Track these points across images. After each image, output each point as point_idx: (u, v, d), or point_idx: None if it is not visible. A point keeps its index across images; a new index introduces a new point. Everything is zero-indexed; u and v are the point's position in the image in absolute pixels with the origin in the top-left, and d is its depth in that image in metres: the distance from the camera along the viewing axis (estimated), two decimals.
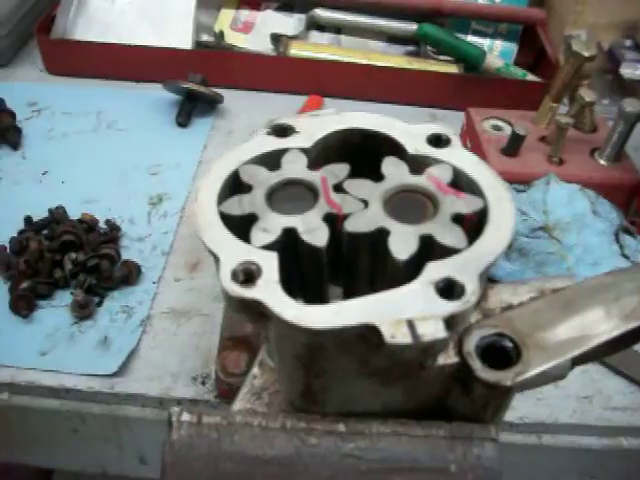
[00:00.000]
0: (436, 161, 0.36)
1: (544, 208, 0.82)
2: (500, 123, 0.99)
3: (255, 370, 0.45)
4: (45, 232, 0.86)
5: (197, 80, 1.06)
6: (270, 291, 0.30)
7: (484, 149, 0.92)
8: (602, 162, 0.93)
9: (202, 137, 1.06)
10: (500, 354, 0.35)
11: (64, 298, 0.80)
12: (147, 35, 1.14)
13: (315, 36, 1.20)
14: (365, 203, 0.34)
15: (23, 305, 0.78)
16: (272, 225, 0.33)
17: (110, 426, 0.76)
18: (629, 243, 0.82)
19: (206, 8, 1.20)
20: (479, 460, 0.37)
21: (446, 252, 0.32)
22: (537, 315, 0.36)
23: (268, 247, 0.32)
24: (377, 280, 0.36)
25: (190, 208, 0.93)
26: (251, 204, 0.34)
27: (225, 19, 1.20)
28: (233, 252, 0.32)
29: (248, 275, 0.31)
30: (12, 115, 1.03)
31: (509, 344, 0.35)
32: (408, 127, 0.38)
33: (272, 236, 0.33)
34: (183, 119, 1.07)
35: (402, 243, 0.32)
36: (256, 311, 0.31)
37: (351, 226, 0.33)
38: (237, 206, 0.34)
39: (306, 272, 0.35)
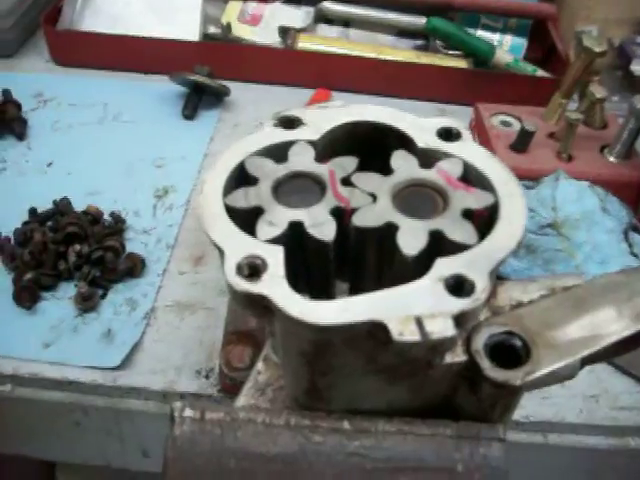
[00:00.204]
0: (446, 155, 0.35)
1: (553, 205, 0.81)
2: (509, 119, 0.98)
3: (259, 365, 0.44)
4: (49, 224, 0.85)
5: (204, 72, 1.05)
6: (275, 286, 0.30)
7: (493, 145, 0.92)
8: (612, 159, 0.92)
9: (208, 129, 1.05)
10: (509, 353, 0.34)
11: (68, 290, 0.79)
12: (154, 26, 1.14)
13: (323, 29, 1.19)
14: (373, 197, 0.33)
15: (27, 297, 0.77)
16: (278, 218, 0.32)
17: (112, 419, 0.76)
18: (638, 241, 0.81)
19: (214, 0, 1.19)
20: (486, 460, 0.36)
21: (456, 248, 0.31)
22: (547, 313, 0.35)
23: (274, 241, 0.32)
24: (384, 276, 0.35)
25: (195, 201, 0.92)
26: (257, 197, 0.33)
27: (232, 11, 1.19)
28: (238, 246, 0.31)
29: (253, 269, 0.30)
30: (18, 106, 1.03)
31: (518, 342, 0.34)
32: (418, 120, 0.37)
33: (278, 230, 0.32)
34: (189, 111, 1.06)
35: (411, 238, 0.31)
36: (261, 306, 0.30)
37: (359, 220, 0.32)
38: (243, 199, 0.33)
39: (312, 267, 0.34)
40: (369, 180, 0.34)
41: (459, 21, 1.18)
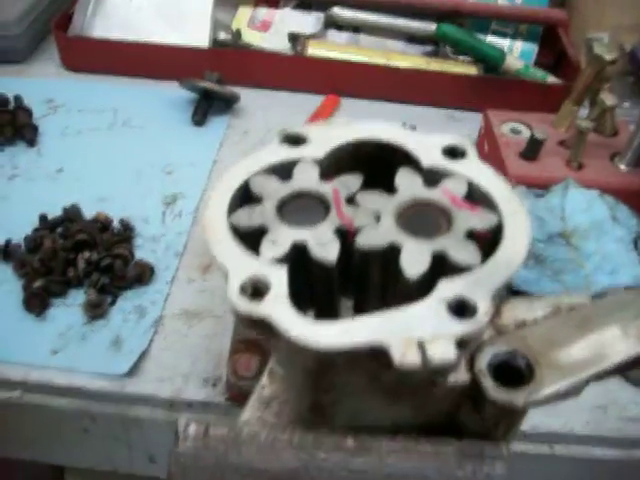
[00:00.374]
0: (451, 174, 0.35)
1: (562, 214, 0.81)
2: (519, 126, 0.97)
3: (264, 379, 0.44)
4: (59, 230, 0.86)
5: (213, 79, 1.06)
6: (278, 307, 0.30)
7: (502, 153, 0.91)
8: (622, 167, 0.91)
9: (218, 136, 1.06)
10: (513, 372, 0.34)
11: (77, 297, 0.80)
12: (164, 32, 1.14)
13: (333, 35, 1.19)
14: (377, 216, 0.33)
15: (36, 303, 0.78)
16: (282, 238, 0.32)
17: (120, 426, 0.76)
18: None
19: (223, 6, 1.20)
20: (489, 478, 0.36)
21: (459, 269, 0.31)
22: (552, 333, 0.35)
23: (278, 260, 0.32)
24: (388, 294, 0.35)
25: (201, 218, 0.92)
26: (261, 216, 0.33)
27: (243, 17, 1.19)
28: (242, 266, 0.31)
29: (256, 289, 0.31)
30: (28, 112, 1.03)
31: (522, 362, 0.34)
32: (423, 138, 0.37)
33: (282, 249, 0.32)
34: (199, 118, 1.06)
35: (414, 260, 0.31)
36: (264, 326, 0.30)
37: (363, 241, 0.32)
38: (247, 218, 0.33)
39: (316, 285, 0.34)
40: (373, 199, 0.34)
41: (469, 27, 1.18)
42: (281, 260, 0.32)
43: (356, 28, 1.19)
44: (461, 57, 1.16)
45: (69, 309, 0.79)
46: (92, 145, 1.03)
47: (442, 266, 0.32)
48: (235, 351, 0.70)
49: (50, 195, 0.93)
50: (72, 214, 0.88)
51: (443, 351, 0.28)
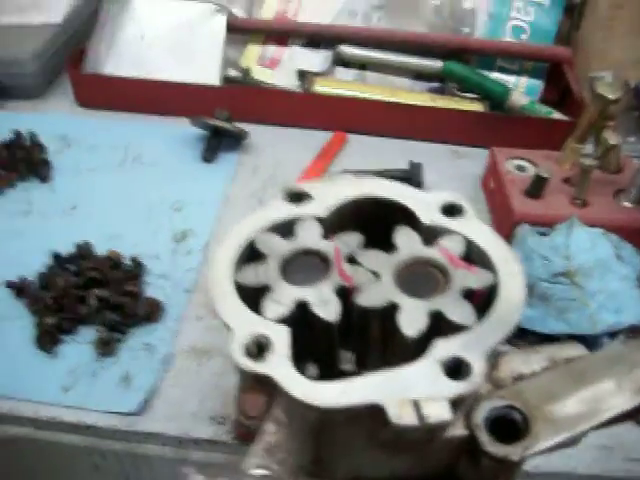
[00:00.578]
0: (449, 232, 0.37)
1: (566, 253, 0.82)
2: (524, 163, 0.99)
3: (269, 426, 0.45)
4: (71, 267, 0.87)
5: (223, 117, 1.08)
6: (280, 366, 0.31)
7: (507, 190, 0.92)
8: (626, 204, 0.92)
9: (228, 173, 1.07)
10: (509, 426, 0.35)
11: (87, 334, 0.81)
12: (175, 70, 1.17)
13: (340, 72, 1.21)
14: (376, 275, 0.34)
15: (48, 340, 0.79)
16: (285, 297, 0.34)
17: (130, 463, 0.77)
18: None
19: (234, 44, 1.22)
20: None
21: (455, 328, 0.32)
22: (548, 386, 0.36)
23: (280, 320, 0.33)
24: (388, 349, 0.36)
25: (208, 266, 0.93)
26: (265, 275, 0.35)
27: (252, 55, 1.22)
28: (245, 324, 0.33)
29: (259, 348, 0.32)
30: (43, 148, 1.06)
31: (518, 416, 0.35)
32: (422, 196, 0.38)
33: (285, 309, 0.33)
34: (209, 155, 1.08)
35: (412, 319, 0.32)
36: (267, 383, 0.31)
37: (362, 300, 0.33)
38: (253, 276, 0.35)
39: (317, 341, 0.35)
40: (373, 258, 0.35)
41: (475, 64, 1.19)
42: (284, 319, 0.33)
43: (363, 65, 1.21)
44: (467, 94, 1.18)
45: (80, 346, 0.80)
46: (104, 182, 1.04)
47: (439, 324, 0.33)
48: (243, 390, 0.71)
49: (63, 232, 0.94)
50: (84, 251, 0.89)
51: (438, 411, 0.29)
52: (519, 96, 1.15)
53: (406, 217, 0.38)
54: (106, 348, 0.79)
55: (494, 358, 0.36)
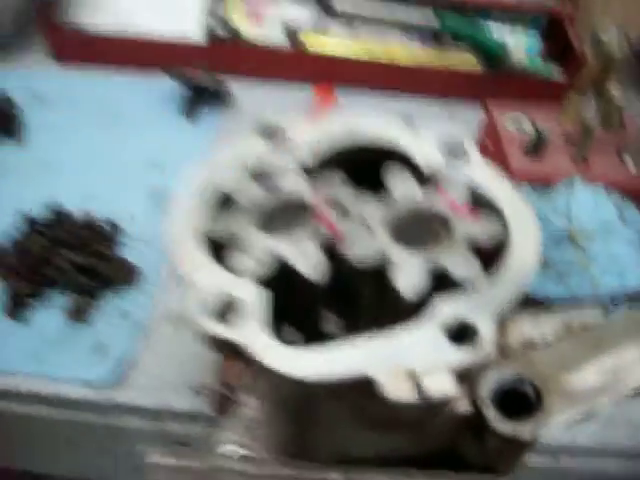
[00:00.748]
0: (451, 177, 0.32)
1: (567, 213, 0.77)
2: (522, 121, 0.93)
3: (245, 398, 0.40)
4: (42, 229, 0.82)
5: (204, 72, 1.02)
6: (254, 332, 0.26)
7: (505, 149, 0.88)
8: (630, 164, 0.88)
9: (209, 130, 1.02)
10: (519, 399, 0.30)
11: (59, 299, 0.76)
12: (155, 23, 1.10)
13: (330, 27, 1.14)
14: (369, 227, 0.29)
15: (16, 306, 0.74)
16: (260, 251, 0.29)
17: (105, 436, 0.73)
18: None
19: None
20: None
21: (459, 285, 0.27)
22: (563, 355, 0.31)
23: (255, 278, 0.28)
24: (381, 312, 0.31)
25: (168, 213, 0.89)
26: (238, 225, 0.30)
27: (237, 9, 1.15)
28: (212, 281, 0.28)
29: (228, 311, 0.27)
30: (12, 103, 0.99)
31: (530, 389, 0.30)
32: (420, 135, 0.33)
33: (259, 264, 0.28)
34: (190, 111, 1.03)
35: (409, 276, 0.27)
36: (234, 350, 0.26)
37: (352, 255, 0.28)
38: (223, 226, 0.30)
39: (298, 302, 0.30)
40: (364, 207, 0.30)
41: (472, 19, 1.13)
42: (259, 277, 0.28)
43: (354, 19, 1.15)
44: (463, 50, 1.12)
45: (51, 313, 0.75)
46: (79, 140, 0.99)
47: (440, 281, 0.28)
48: (224, 359, 0.67)
49: (35, 192, 0.89)
50: (56, 212, 0.84)
51: (441, 384, 0.24)
52: (518, 53, 1.10)
53: (402, 161, 0.33)
54: (78, 314, 0.74)
55: (501, 322, 0.31)
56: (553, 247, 0.75)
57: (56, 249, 0.78)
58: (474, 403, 0.30)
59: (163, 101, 1.06)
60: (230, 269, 0.28)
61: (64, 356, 0.72)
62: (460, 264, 0.28)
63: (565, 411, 0.30)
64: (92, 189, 0.90)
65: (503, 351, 0.32)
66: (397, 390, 0.24)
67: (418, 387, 0.24)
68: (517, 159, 0.86)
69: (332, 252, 0.29)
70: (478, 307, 0.26)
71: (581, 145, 0.86)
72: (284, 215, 0.30)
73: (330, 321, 0.34)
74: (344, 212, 0.30)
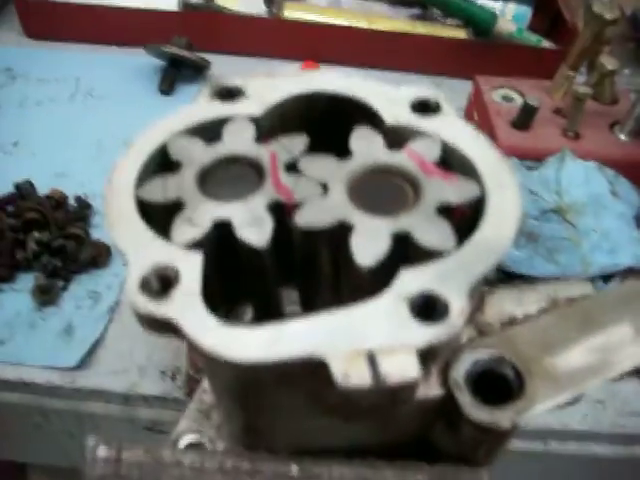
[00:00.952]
0: (420, 133, 0.28)
1: (557, 188, 0.74)
2: (511, 93, 0.90)
3: (206, 384, 0.37)
4: (9, 208, 0.79)
5: (181, 44, 0.98)
6: (187, 307, 0.23)
7: (493, 121, 0.84)
8: (622, 137, 0.84)
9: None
10: (498, 383, 0.27)
11: (27, 281, 0.73)
12: None
13: None
14: (324, 187, 0.26)
15: None
16: (201, 216, 0.25)
17: (74, 422, 0.70)
18: None
19: None
20: None
21: (427, 255, 0.24)
22: (547, 333, 0.28)
23: (193, 245, 0.25)
24: (342, 284, 0.28)
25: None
26: (178, 187, 0.26)
27: None
28: (147, 252, 0.24)
29: (163, 283, 0.23)
30: None
31: (510, 371, 0.27)
32: (387, 90, 0.30)
33: (199, 231, 0.25)
34: (166, 86, 0.98)
35: (368, 243, 0.24)
36: (171, 330, 0.23)
37: (303, 219, 0.25)
38: (160, 190, 0.26)
39: (248, 275, 0.27)
40: (320, 165, 0.27)
41: None
42: (198, 245, 0.24)
43: None
44: (450, 20, 1.08)
45: (17, 295, 0.72)
46: (51, 117, 0.95)
47: (405, 250, 0.25)
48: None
49: (2, 170, 0.85)
50: (24, 190, 0.80)
51: (402, 366, 0.21)
52: (506, 23, 1.06)
53: (367, 118, 0.29)
54: (46, 296, 0.71)
55: (478, 296, 0.28)
56: (542, 222, 0.71)
57: (24, 229, 0.75)
58: (447, 388, 0.27)
59: (139, 76, 1.02)
60: (170, 239, 0.25)
61: (31, 340, 0.69)
62: (429, 230, 0.24)
63: (551, 396, 0.27)
64: (63, 167, 0.86)
65: (482, 331, 0.29)
66: (350, 374, 0.21)
67: (375, 370, 0.21)
68: (505, 132, 0.82)
69: (282, 216, 0.25)
70: (448, 278, 0.23)
71: (572, 119, 0.83)
72: (232, 178, 0.27)
73: (290, 301, 0.31)
74: (297, 171, 0.27)
